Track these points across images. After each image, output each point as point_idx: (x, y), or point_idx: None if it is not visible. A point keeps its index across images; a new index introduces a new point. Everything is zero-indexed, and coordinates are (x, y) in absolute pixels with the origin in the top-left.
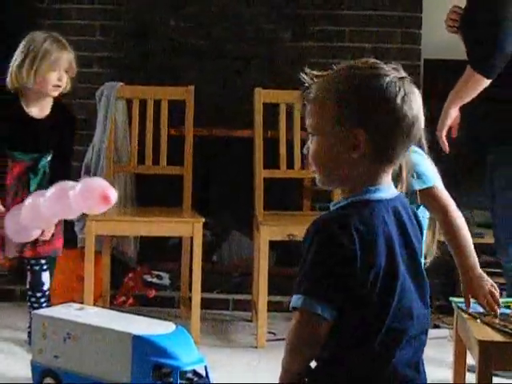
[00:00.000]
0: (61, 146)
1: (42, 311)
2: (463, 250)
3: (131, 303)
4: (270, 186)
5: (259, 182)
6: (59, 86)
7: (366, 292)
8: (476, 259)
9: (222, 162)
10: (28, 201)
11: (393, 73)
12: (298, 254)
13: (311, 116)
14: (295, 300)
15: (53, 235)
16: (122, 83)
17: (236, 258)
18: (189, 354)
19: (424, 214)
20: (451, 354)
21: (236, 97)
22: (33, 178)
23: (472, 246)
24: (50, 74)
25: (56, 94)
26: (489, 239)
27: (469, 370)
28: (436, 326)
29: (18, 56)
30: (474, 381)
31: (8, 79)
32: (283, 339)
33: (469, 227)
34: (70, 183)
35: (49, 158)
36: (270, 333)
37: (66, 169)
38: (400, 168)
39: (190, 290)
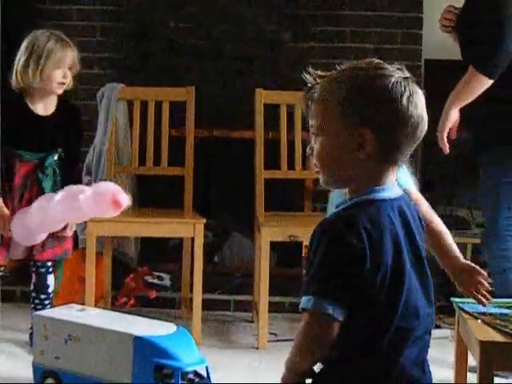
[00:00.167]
0: (68, 145)
1: (43, 312)
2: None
3: (132, 304)
4: (271, 187)
5: (260, 183)
6: (64, 84)
7: (374, 291)
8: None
9: (222, 163)
10: (36, 204)
11: (398, 73)
12: (299, 255)
13: (315, 116)
14: (305, 301)
15: (63, 237)
16: (122, 84)
17: (237, 258)
18: (190, 355)
19: None
20: (452, 354)
21: (237, 98)
22: (44, 179)
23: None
24: (55, 72)
25: (61, 91)
26: None
27: (470, 371)
28: (437, 327)
29: (21, 56)
30: (475, 381)
31: (13, 79)
32: (284, 340)
33: (469, 227)
34: (80, 187)
35: (55, 157)
36: (271, 333)
37: (75, 171)
38: None
39: (191, 290)
